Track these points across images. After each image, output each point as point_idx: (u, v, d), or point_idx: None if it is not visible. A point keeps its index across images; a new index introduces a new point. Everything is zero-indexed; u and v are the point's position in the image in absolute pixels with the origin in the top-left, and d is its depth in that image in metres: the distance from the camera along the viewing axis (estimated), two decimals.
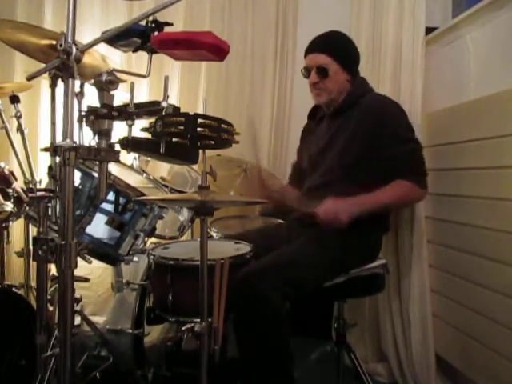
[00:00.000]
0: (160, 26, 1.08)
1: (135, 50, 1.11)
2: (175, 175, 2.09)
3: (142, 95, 2.31)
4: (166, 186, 1.79)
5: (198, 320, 1.13)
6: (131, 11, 2.36)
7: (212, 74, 2.49)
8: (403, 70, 1.87)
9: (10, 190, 1.49)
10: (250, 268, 1.36)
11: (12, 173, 1.55)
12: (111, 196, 1.42)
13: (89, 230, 1.40)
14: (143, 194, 1.46)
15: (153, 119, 1.02)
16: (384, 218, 1.65)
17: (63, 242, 0.88)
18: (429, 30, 1.90)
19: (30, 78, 0.96)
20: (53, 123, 1.27)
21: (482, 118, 1.56)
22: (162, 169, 2.05)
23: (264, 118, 2.57)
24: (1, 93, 1.79)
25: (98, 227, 1.41)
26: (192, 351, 1.57)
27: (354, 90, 1.65)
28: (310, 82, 1.64)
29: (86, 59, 1.35)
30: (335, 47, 1.62)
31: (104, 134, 0.98)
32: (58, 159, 0.93)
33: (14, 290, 1.68)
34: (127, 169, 1.80)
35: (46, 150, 1.10)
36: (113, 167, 1.62)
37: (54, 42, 1.35)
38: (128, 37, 1.07)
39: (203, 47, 0.95)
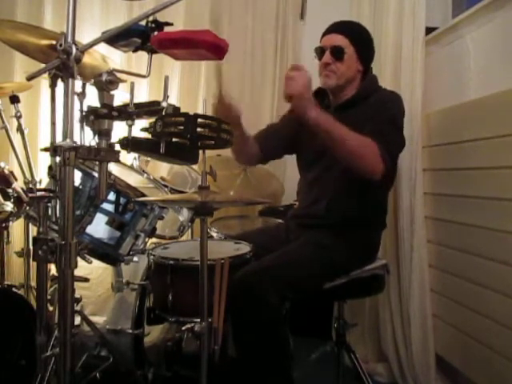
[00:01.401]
0: (160, 25, 1.08)
1: (135, 50, 1.11)
2: (175, 175, 2.09)
3: (142, 95, 2.31)
4: (166, 186, 1.80)
5: (198, 320, 1.13)
6: (131, 11, 2.36)
7: (212, 74, 2.49)
8: (403, 70, 1.87)
9: (9, 190, 1.49)
10: (248, 268, 1.36)
11: (12, 173, 1.55)
12: (111, 196, 1.42)
13: (89, 229, 1.40)
14: (143, 194, 1.46)
15: (153, 119, 1.02)
16: (382, 217, 1.65)
17: (63, 242, 0.87)
18: (429, 30, 1.90)
19: (29, 78, 0.96)
20: (53, 123, 1.28)
21: (481, 118, 1.56)
22: (162, 169, 2.05)
23: (264, 117, 2.56)
24: (1, 93, 1.79)
25: (99, 227, 1.42)
26: (192, 351, 1.57)
27: (367, 85, 1.61)
28: (322, 62, 1.57)
29: (86, 59, 1.35)
30: (355, 32, 1.59)
31: (104, 134, 0.98)
32: (58, 159, 0.92)
33: (14, 289, 1.68)
34: (127, 169, 1.81)
35: (46, 150, 1.09)
36: (113, 167, 1.62)
37: (54, 42, 1.35)
38: (128, 37, 1.07)
39: (202, 46, 0.95)
